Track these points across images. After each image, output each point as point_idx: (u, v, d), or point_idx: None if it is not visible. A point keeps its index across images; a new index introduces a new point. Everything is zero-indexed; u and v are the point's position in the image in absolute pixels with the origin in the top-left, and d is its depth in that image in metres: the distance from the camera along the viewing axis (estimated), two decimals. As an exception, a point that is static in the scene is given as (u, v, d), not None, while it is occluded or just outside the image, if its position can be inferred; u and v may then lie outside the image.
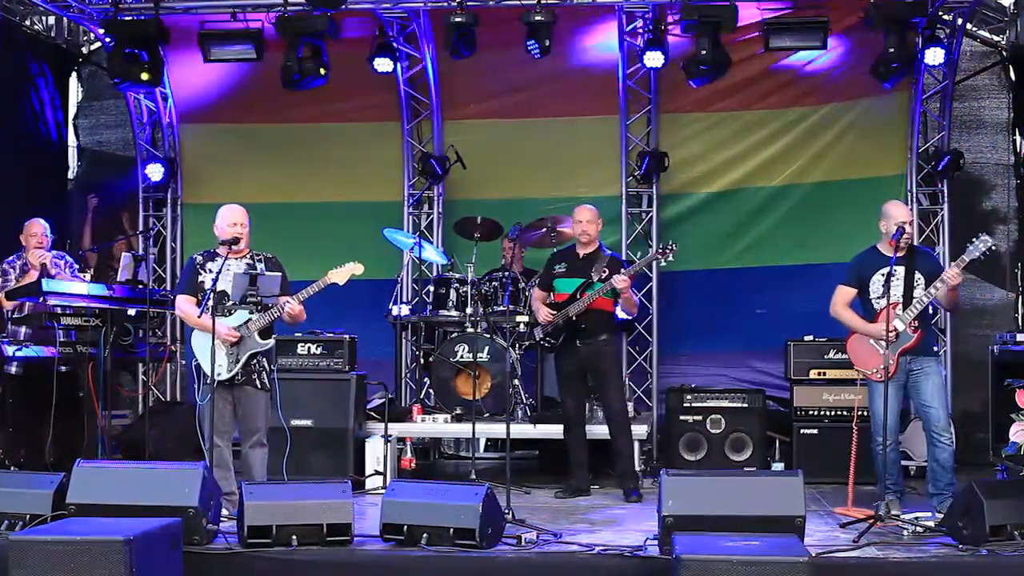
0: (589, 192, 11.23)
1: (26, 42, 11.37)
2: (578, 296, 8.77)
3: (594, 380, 9.03)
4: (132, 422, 10.80)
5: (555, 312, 8.81)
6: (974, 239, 7.37)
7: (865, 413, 7.95)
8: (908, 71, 10.05)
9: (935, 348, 7.86)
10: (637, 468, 9.27)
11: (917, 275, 7.61)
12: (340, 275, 7.59)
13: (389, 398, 9.72)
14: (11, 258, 9.37)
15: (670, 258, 8.78)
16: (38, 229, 9.39)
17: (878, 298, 7.61)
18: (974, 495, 6.54)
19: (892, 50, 9.58)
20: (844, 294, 7.87)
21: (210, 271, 7.54)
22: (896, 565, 6.34)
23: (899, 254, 7.58)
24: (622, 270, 8.72)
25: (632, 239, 11.39)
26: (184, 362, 11.69)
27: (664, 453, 10.13)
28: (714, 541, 5.80)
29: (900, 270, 7.62)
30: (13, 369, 8.61)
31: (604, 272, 8.77)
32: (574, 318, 8.73)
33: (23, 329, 8.89)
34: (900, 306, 7.57)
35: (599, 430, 9.08)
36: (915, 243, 8.00)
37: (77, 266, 9.63)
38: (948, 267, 7.59)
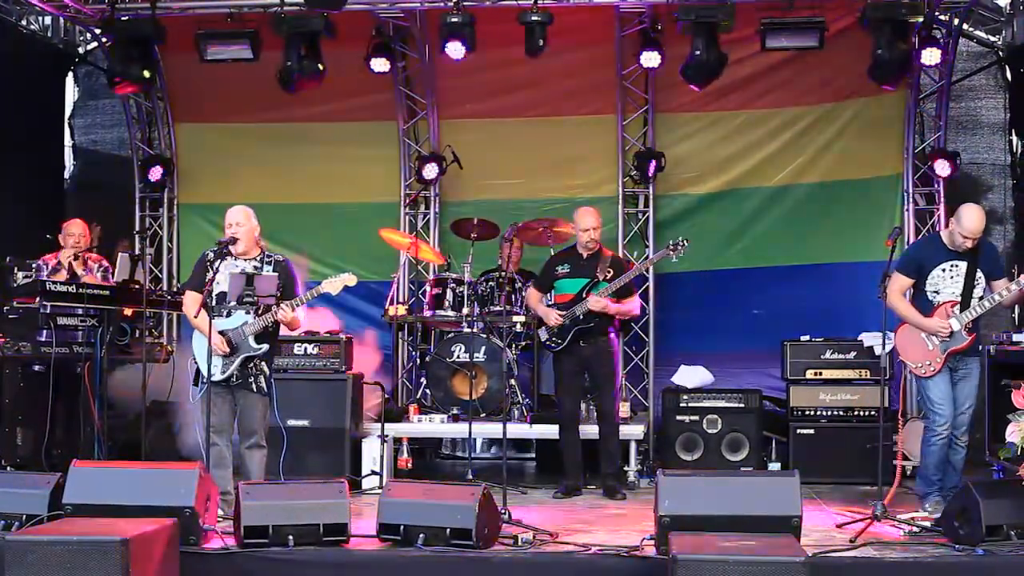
0: (585, 192, 11.26)
1: (22, 42, 11.36)
2: (584, 296, 8.78)
3: (591, 380, 9.03)
4: (129, 422, 10.76)
5: (563, 313, 8.80)
6: None
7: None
8: (906, 71, 10.05)
9: (979, 346, 7.72)
10: (634, 468, 9.30)
11: (978, 274, 7.49)
12: (333, 285, 7.59)
13: (386, 398, 9.72)
14: (47, 256, 9.37)
15: (681, 254, 8.84)
16: (75, 229, 9.37)
17: (935, 292, 7.50)
18: (971, 495, 6.55)
19: (889, 50, 9.59)
20: (901, 283, 7.61)
21: (217, 270, 7.56)
22: (893, 565, 6.35)
23: (962, 249, 7.46)
24: (622, 273, 8.75)
25: (629, 239, 11.39)
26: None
27: (661, 453, 10.14)
28: (711, 541, 5.81)
29: (962, 266, 7.47)
30: (10, 369, 8.60)
31: (609, 272, 8.79)
32: (581, 318, 8.74)
33: (21, 328, 8.87)
34: (958, 306, 7.46)
35: (593, 430, 9.07)
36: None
37: (111, 270, 9.62)
38: (1021, 277, 7.36)
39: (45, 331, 8.70)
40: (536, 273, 10.08)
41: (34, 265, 9.26)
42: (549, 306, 8.95)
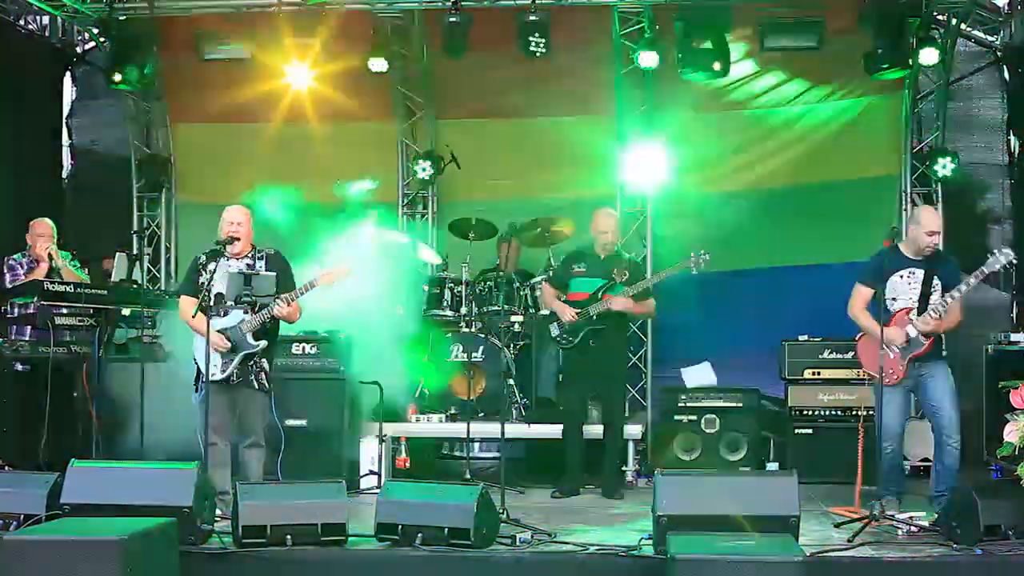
0: (583, 192, 11.24)
1: (20, 41, 11.35)
2: (600, 296, 8.78)
3: (599, 380, 9.02)
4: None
5: (580, 311, 8.79)
6: (995, 251, 7.32)
7: (868, 413, 7.94)
8: (902, 70, 10.06)
9: (944, 351, 7.77)
10: (632, 467, 9.29)
11: (935, 281, 7.54)
12: (329, 278, 7.59)
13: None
14: (16, 256, 9.32)
15: (702, 266, 8.81)
16: (45, 229, 9.33)
17: (892, 299, 7.54)
18: (968, 495, 6.55)
19: (886, 50, 9.60)
20: (862, 294, 7.68)
21: (211, 271, 7.55)
22: (890, 565, 6.35)
23: (920, 258, 7.54)
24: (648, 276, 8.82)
25: (626, 240, 11.36)
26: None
27: (659, 453, 10.12)
28: (709, 541, 5.81)
29: (920, 273, 7.55)
30: (7, 369, 8.59)
31: (624, 275, 8.79)
32: (595, 318, 8.74)
33: (17, 328, 8.87)
34: (915, 312, 7.51)
35: (594, 429, 9.07)
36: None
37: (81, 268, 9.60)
38: (967, 277, 7.43)
39: (39, 330, 8.70)
40: (533, 273, 10.11)
41: (6, 265, 9.22)
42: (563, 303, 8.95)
